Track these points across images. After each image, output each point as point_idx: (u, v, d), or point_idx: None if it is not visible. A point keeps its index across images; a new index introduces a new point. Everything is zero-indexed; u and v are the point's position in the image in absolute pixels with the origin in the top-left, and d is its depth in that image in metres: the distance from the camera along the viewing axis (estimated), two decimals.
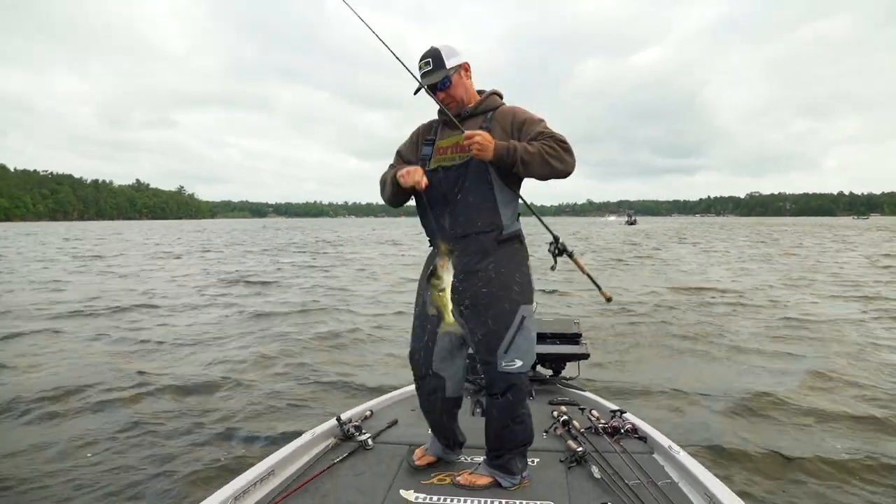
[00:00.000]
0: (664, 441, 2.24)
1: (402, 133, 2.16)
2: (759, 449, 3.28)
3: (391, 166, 2.07)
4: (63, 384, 4.50)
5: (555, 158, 1.75)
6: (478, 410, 2.82)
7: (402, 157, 2.08)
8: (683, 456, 2.07)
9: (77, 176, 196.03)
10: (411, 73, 1.96)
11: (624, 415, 2.55)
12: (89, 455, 3.26)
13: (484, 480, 1.96)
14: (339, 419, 2.43)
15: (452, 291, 1.72)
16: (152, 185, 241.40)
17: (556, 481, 1.99)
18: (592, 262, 16.94)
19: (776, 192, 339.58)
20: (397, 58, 1.97)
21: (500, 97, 2.04)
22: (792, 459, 3.12)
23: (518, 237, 1.98)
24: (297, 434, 2.36)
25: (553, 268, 2.00)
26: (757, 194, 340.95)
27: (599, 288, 2.02)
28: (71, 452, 3.27)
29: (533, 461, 2.13)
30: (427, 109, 2.09)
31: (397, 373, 4.87)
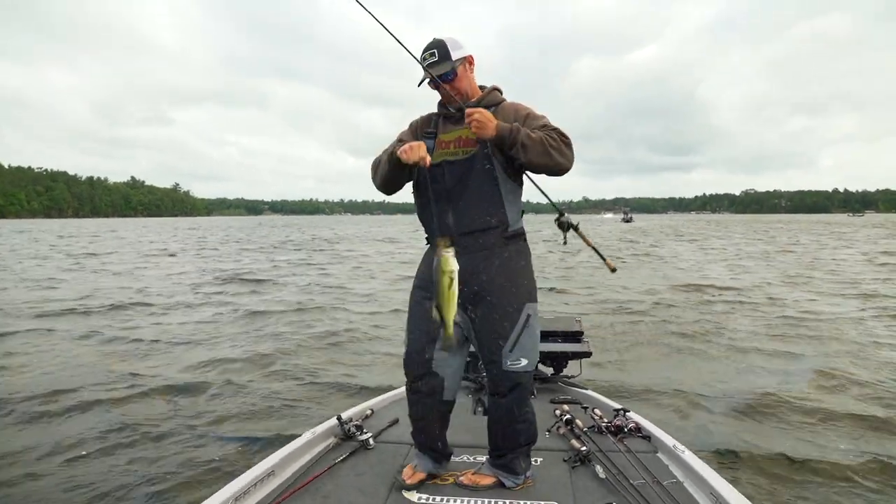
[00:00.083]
0: (668, 440, 2.21)
1: (401, 131, 2.11)
2: (762, 448, 3.25)
3: (386, 152, 1.98)
4: (55, 384, 4.44)
5: (555, 150, 1.70)
6: (479, 409, 2.79)
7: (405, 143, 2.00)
8: (688, 455, 2.05)
9: (72, 173, 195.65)
10: (417, 60, 1.88)
11: (627, 413, 2.52)
12: (83, 453, 3.21)
13: (487, 481, 1.93)
14: (339, 418, 2.39)
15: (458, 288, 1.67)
16: (148, 183, 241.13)
17: (560, 481, 1.96)
18: (589, 260, 16.94)
19: (771, 190, 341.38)
20: (404, 47, 1.89)
21: (501, 93, 2.00)
22: (796, 460, 3.09)
23: (523, 235, 1.94)
24: (296, 434, 2.32)
25: (564, 241, 1.98)
26: (752, 191, 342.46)
27: (604, 259, 2.01)
28: (64, 454, 3.21)
29: (536, 461, 2.10)
30: (427, 106, 2.07)
31: (396, 371, 4.82)
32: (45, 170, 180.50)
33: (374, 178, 1.96)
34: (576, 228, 1.96)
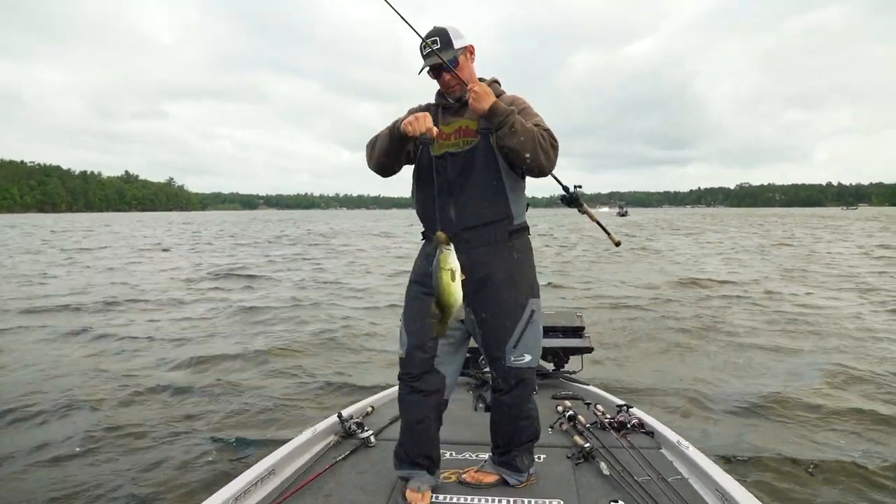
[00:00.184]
0: (672, 436, 2.19)
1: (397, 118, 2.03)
2: (766, 445, 3.23)
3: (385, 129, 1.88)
4: (45, 382, 4.38)
5: (542, 148, 1.66)
6: (480, 406, 2.76)
7: None
8: (693, 451, 2.03)
9: (66, 167, 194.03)
10: (423, 40, 1.78)
11: (630, 409, 2.50)
12: (77, 450, 3.17)
13: (490, 478, 1.91)
14: (340, 416, 2.36)
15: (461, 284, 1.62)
16: (142, 177, 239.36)
17: (563, 478, 1.94)
18: (585, 254, 16.96)
19: (766, 184, 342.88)
20: (413, 29, 1.79)
21: (500, 85, 1.95)
22: (801, 457, 3.07)
23: (527, 229, 1.90)
24: (295, 433, 2.29)
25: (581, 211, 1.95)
26: (747, 185, 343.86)
27: (609, 234, 1.98)
28: (57, 455, 3.14)
29: (539, 457, 2.07)
30: (424, 99, 1.99)
31: (394, 368, 4.77)
32: (39, 164, 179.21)
33: (369, 158, 1.85)
34: (580, 204, 1.92)
